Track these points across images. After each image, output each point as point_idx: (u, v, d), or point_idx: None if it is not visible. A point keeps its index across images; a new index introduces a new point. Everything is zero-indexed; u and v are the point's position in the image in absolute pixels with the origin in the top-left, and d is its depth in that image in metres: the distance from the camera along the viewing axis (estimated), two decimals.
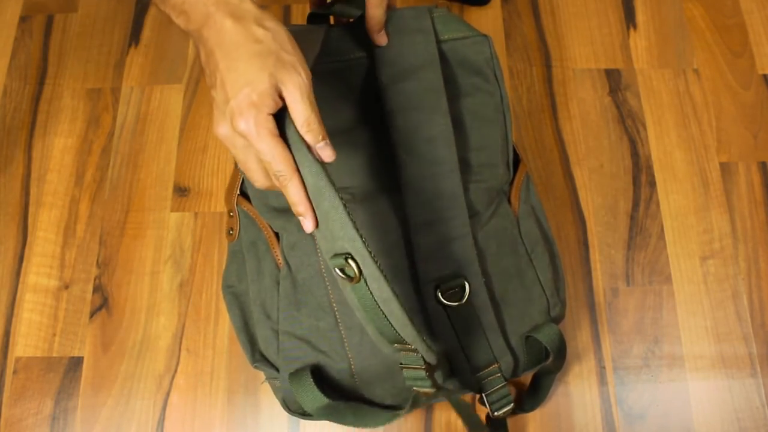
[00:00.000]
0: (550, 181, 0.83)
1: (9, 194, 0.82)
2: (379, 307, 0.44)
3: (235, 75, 0.41)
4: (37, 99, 0.87)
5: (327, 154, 0.43)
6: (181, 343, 0.75)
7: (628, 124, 0.86)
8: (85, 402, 0.73)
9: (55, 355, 0.75)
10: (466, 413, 0.62)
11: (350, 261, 0.42)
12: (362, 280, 0.43)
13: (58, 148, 0.84)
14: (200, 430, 0.72)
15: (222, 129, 0.43)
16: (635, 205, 0.82)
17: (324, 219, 0.43)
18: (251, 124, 0.41)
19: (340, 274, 0.43)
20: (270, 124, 0.42)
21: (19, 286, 0.78)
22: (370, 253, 0.42)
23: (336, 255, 0.43)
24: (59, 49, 0.90)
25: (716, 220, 0.82)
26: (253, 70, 0.41)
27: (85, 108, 0.87)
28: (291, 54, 0.43)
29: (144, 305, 0.77)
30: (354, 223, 0.41)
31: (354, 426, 0.55)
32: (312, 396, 0.53)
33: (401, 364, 0.50)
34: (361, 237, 0.41)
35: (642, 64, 0.90)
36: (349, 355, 0.55)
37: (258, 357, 0.59)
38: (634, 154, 0.85)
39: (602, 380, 0.74)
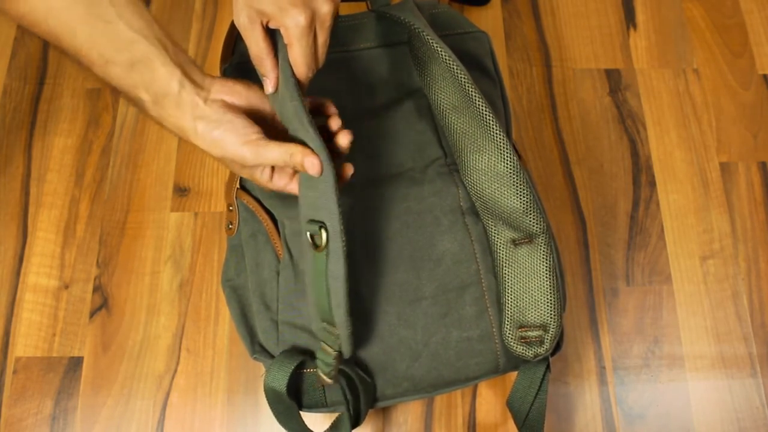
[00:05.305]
0: (550, 181, 0.83)
1: (9, 194, 0.82)
2: (326, 281, 0.47)
3: None
4: (37, 99, 0.87)
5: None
6: (181, 343, 0.75)
7: (628, 124, 0.86)
8: (85, 402, 0.73)
9: (55, 355, 0.75)
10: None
11: (323, 231, 0.46)
12: (324, 252, 0.46)
13: (58, 147, 0.84)
14: (200, 430, 0.72)
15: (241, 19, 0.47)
16: (635, 205, 0.82)
17: (312, 186, 0.46)
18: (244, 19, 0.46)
19: (309, 239, 0.47)
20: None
21: (19, 286, 0.78)
22: (341, 231, 0.45)
23: (312, 221, 0.47)
24: None
25: (716, 220, 0.82)
26: None
27: (85, 108, 0.86)
28: None
29: (144, 305, 0.77)
30: (338, 199, 0.44)
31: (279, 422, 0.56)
32: (279, 376, 0.53)
33: (322, 341, 0.52)
34: (340, 215, 0.44)
35: (642, 64, 0.90)
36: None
37: (257, 348, 0.59)
38: (634, 154, 0.85)
39: (602, 380, 0.74)
